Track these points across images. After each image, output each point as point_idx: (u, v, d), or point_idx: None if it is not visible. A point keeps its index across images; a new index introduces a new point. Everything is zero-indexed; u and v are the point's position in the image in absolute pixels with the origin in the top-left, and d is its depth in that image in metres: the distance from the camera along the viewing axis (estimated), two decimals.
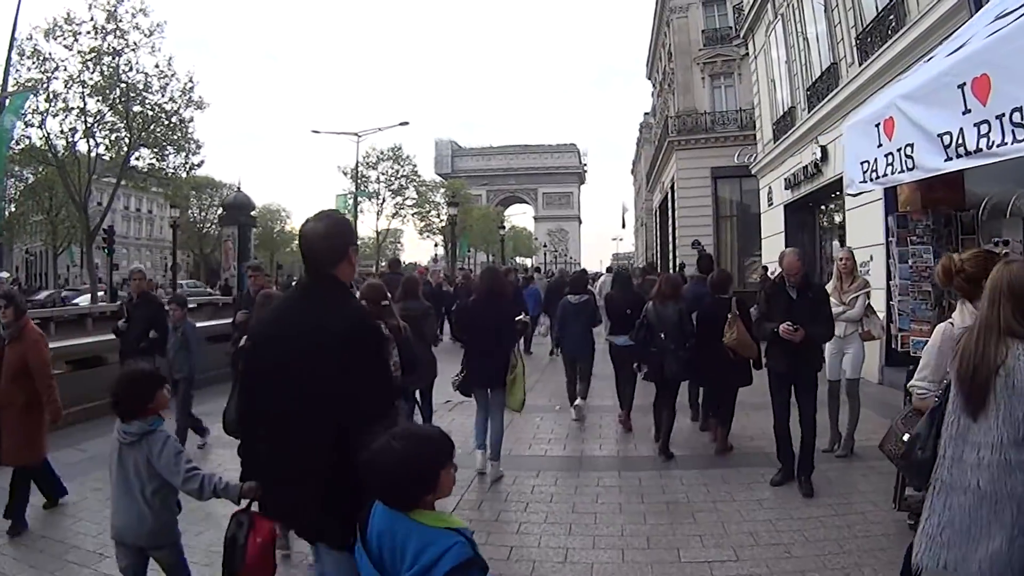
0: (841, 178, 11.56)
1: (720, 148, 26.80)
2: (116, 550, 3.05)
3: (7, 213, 36.65)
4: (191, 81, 24.95)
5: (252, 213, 29.65)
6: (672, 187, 29.92)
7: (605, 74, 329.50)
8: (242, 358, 3.05)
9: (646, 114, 58.68)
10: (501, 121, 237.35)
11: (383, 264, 44.82)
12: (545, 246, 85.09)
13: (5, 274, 56.16)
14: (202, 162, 26.59)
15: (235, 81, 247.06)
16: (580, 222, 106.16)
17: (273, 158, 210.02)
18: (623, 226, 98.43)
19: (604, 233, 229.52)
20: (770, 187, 16.40)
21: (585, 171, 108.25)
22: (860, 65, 10.71)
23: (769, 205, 16.58)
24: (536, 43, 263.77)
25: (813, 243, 14.88)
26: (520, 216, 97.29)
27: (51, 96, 22.85)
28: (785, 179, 14.64)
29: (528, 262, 71.79)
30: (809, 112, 13.04)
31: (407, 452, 1.84)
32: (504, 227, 57.87)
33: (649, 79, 43.95)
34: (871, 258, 10.01)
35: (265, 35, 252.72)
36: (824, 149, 12.14)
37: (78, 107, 23.17)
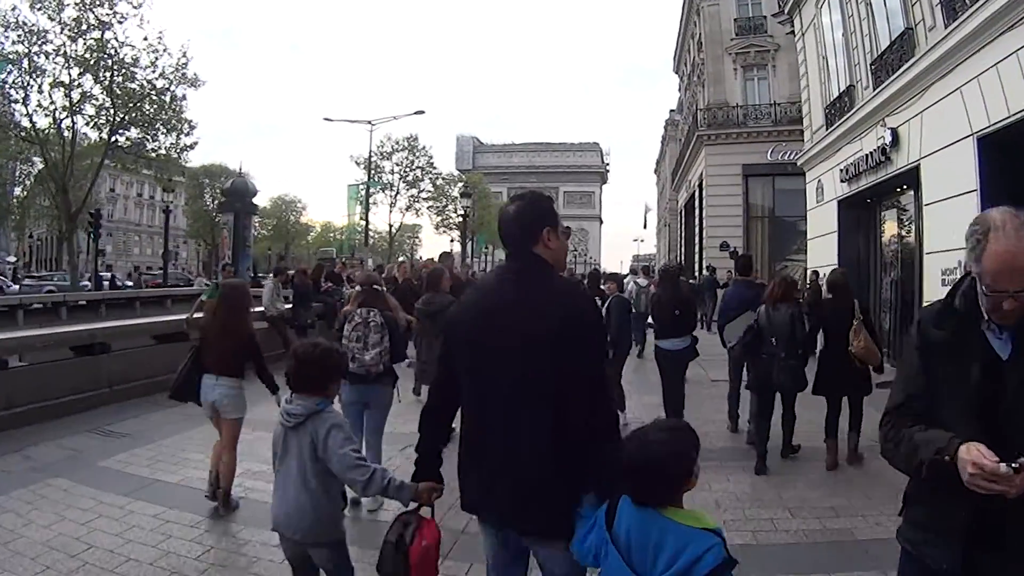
0: (917, 167, 9.74)
1: (752, 144, 25.45)
2: (280, 540, 2.81)
3: (13, 199, 36.09)
4: (184, 57, 23.51)
5: (254, 200, 27.87)
6: (700, 185, 28.42)
7: (628, 74, 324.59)
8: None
9: (671, 111, 56.65)
10: (523, 119, 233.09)
11: (400, 259, 43.68)
12: None
13: (12, 258, 56.10)
14: (195, 143, 25.05)
15: (258, 72, 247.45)
16: (601, 222, 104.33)
17: (293, 150, 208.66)
18: (644, 227, 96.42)
19: (625, 234, 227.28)
20: (819, 180, 14.30)
21: (607, 171, 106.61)
22: (946, 28, 8.72)
23: (818, 201, 14.46)
24: (558, 41, 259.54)
25: (870, 247, 12.92)
26: None
27: (34, 70, 21.60)
28: (841, 170, 12.59)
29: None
30: (874, 90, 11.02)
31: (673, 445, 1.86)
32: None
33: (676, 73, 42.41)
34: (959, 264, 8.06)
35: (289, 26, 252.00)
36: (895, 132, 10.11)
37: (62, 82, 21.86)
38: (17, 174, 34.15)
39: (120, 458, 5.87)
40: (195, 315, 9.64)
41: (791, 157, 23.03)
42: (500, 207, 2.50)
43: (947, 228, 8.45)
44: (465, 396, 2.33)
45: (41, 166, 27.37)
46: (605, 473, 2.05)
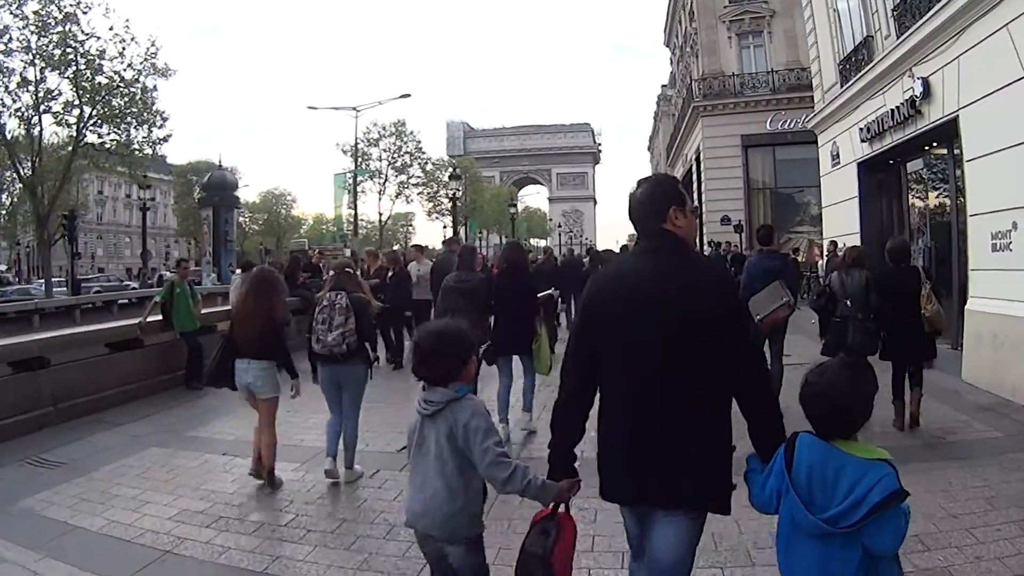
0: (955, 119, 8.70)
1: (751, 114, 24.65)
2: (416, 539, 2.58)
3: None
4: (153, 46, 22.47)
5: (235, 193, 26.76)
6: (697, 158, 27.52)
7: (617, 53, 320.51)
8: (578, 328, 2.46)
9: (664, 86, 55.59)
10: (513, 103, 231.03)
11: (394, 247, 42.89)
12: (560, 227, 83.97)
13: (3, 266, 55.21)
14: (169, 136, 23.86)
15: (246, 67, 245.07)
16: (595, 203, 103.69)
17: (282, 143, 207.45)
18: None
19: (619, 213, 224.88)
20: (835, 142, 13.20)
21: (600, 151, 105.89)
22: None
23: (833, 165, 13.36)
24: (543, 23, 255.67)
25: (894, 212, 11.92)
26: (534, 197, 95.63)
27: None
28: (861, 129, 11.52)
29: (542, 243, 70.34)
30: (898, 38, 9.92)
31: (869, 381, 1.98)
32: (515, 205, 55.70)
33: (667, 46, 41.57)
34: (1014, 225, 7.11)
35: (275, 19, 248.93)
36: (926, 82, 9.02)
37: (27, 79, 20.95)
38: (2, 181, 33.27)
39: (43, 496, 4.87)
40: (148, 318, 8.73)
41: (792, 126, 22.19)
42: (633, 192, 2.43)
43: (996, 186, 7.45)
44: (611, 380, 2.26)
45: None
46: (771, 433, 2.12)
